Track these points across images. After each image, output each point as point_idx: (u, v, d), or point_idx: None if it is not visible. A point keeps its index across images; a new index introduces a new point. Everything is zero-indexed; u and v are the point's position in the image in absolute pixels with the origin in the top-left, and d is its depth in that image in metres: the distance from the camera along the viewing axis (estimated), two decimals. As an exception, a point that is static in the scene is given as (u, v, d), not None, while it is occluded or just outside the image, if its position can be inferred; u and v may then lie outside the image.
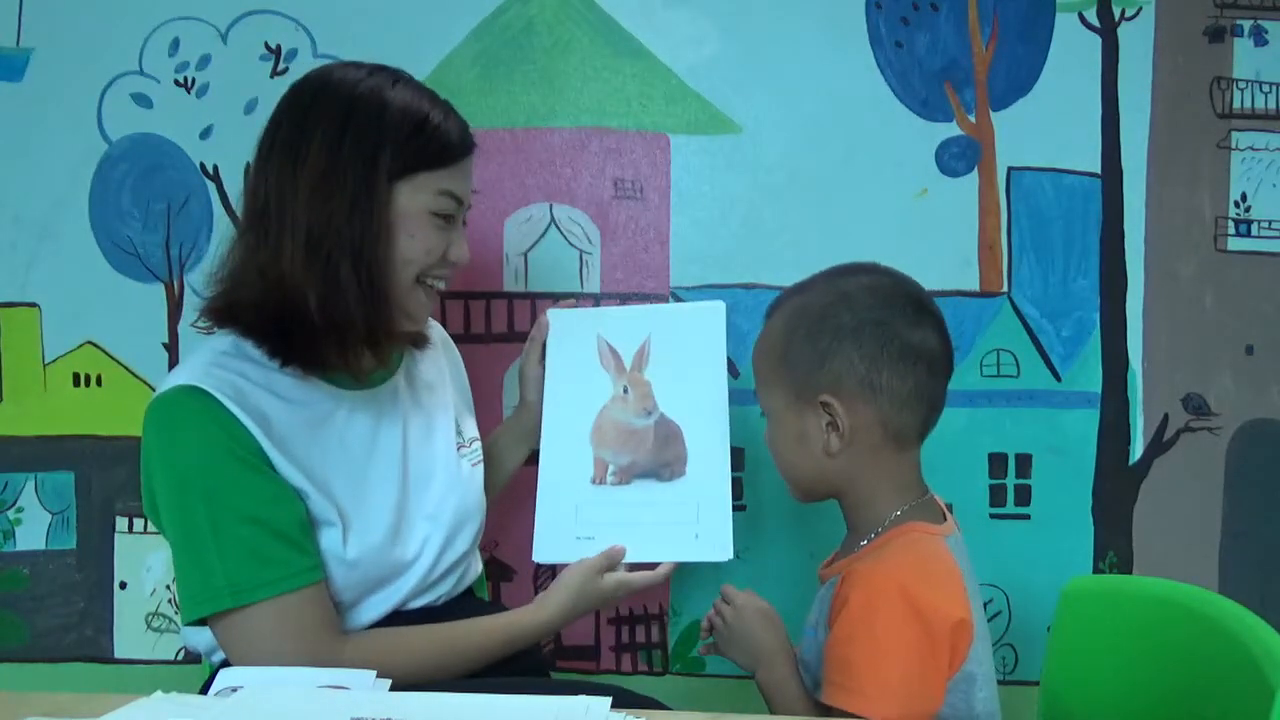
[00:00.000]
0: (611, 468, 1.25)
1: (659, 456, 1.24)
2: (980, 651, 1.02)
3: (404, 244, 1.10)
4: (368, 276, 1.08)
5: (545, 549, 1.23)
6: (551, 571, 1.50)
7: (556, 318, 1.33)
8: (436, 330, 1.33)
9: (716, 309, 1.28)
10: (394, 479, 1.14)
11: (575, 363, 1.29)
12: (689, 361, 1.26)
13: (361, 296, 1.08)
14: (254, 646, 1.01)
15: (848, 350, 1.05)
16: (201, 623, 1.04)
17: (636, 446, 1.25)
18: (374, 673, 0.92)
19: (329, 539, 1.07)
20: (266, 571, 1.01)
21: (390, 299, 1.11)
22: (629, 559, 1.20)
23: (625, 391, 1.26)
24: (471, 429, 1.29)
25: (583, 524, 1.22)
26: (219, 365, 1.07)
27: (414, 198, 1.10)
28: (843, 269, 1.13)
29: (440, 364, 1.29)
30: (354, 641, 1.06)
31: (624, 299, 1.49)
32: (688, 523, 1.21)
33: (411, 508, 1.14)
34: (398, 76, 1.13)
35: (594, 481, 1.25)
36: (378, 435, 1.15)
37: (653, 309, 1.34)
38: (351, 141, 1.07)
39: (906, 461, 1.10)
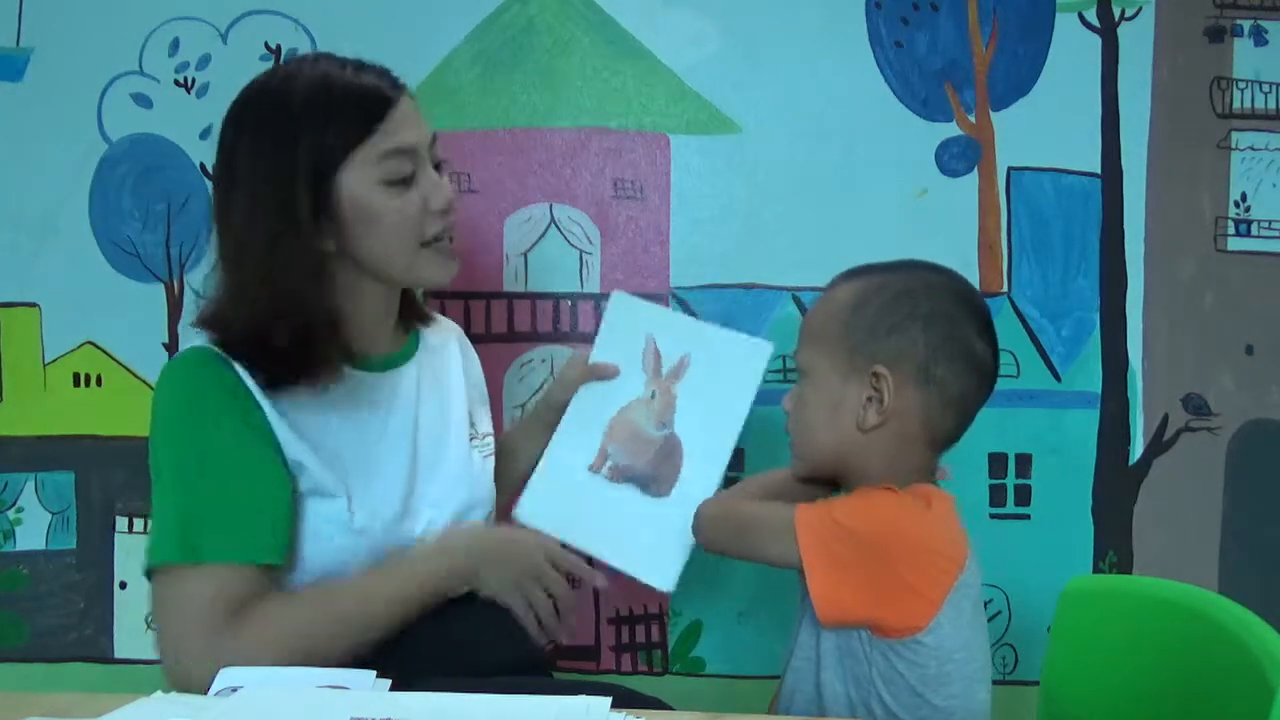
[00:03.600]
0: (610, 462, 1.26)
1: (654, 470, 1.25)
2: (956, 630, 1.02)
3: (371, 234, 1.07)
4: (334, 287, 1.08)
5: (525, 509, 1.26)
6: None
7: (619, 302, 1.33)
8: (454, 330, 1.33)
9: (762, 348, 1.25)
10: (403, 460, 1.14)
11: (620, 352, 1.30)
12: (719, 391, 1.25)
13: (326, 314, 1.06)
14: (173, 608, 0.99)
15: (915, 332, 1.05)
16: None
17: (639, 453, 1.26)
18: (374, 673, 0.92)
19: (334, 508, 1.06)
20: (225, 537, 1.00)
21: (388, 283, 1.12)
22: (583, 549, 1.22)
23: (652, 396, 1.27)
24: (485, 424, 1.30)
25: (566, 501, 1.26)
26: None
27: (360, 178, 1.05)
28: (922, 263, 1.12)
29: (455, 359, 1.29)
30: (250, 624, 1.00)
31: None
32: (649, 542, 1.21)
33: (419, 491, 1.14)
34: (313, 57, 1.10)
35: (591, 469, 1.27)
36: (390, 416, 1.15)
37: (705, 327, 1.31)
38: (270, 150, 1.03)
39: (929, 463, 1.09)
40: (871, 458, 1.07)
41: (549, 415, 1.33)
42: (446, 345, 1.28)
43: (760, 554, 1.06)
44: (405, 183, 1.07)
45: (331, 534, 1.07)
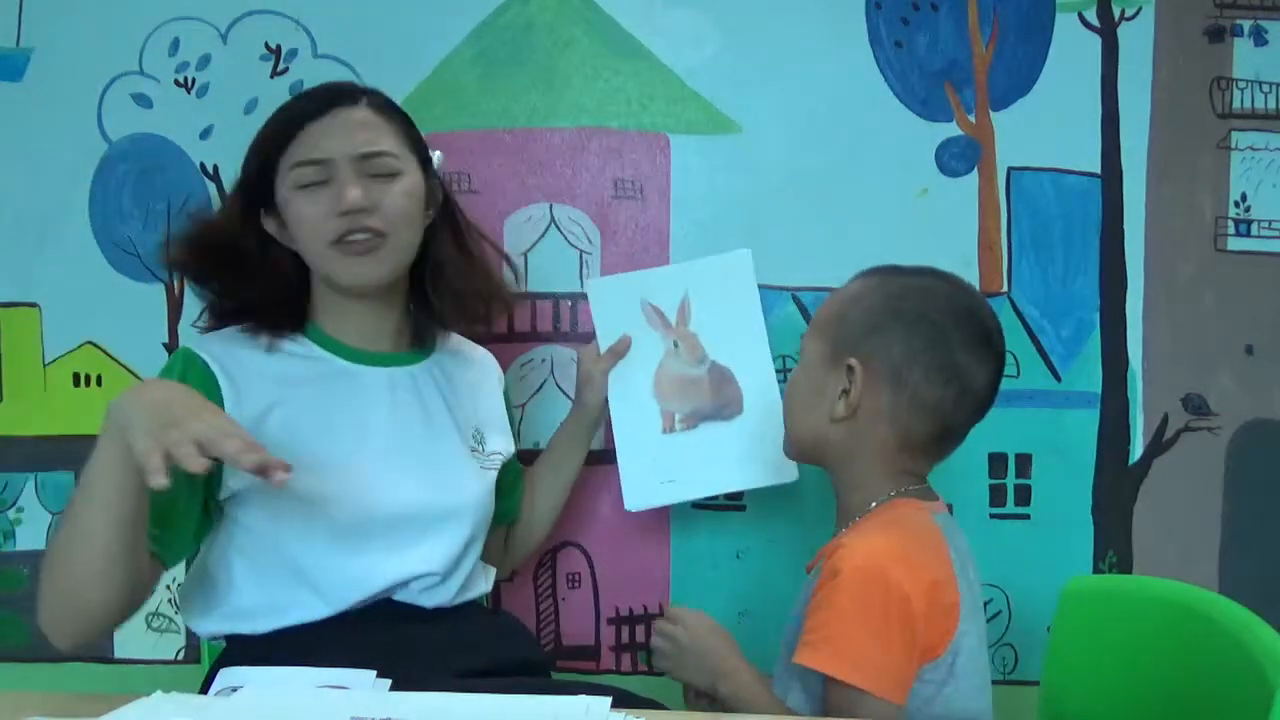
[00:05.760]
0: (678, 416, 1.37)
1: (717, 399, 1.36)
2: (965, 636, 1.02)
3: (295, 230, 1.17)
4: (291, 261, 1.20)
5: (634, 498, 1.36)
6: (551, 579, 1.51)
7: (597, 288, 1.39)
8: (491, 361, 1.37)
9: (743, 257, 1.36)
10: (386, 453, 1.16)
11: (624, 327, 1.37)
12: (727, 309, 1.36)
13: (274, 282, 1.19)
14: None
15: (895, 334, 1.06)
16: None
17: (696, 394, 1.36)
18: (374, 673, 0.92)
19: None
20: None
21: (325, 281, 1.19)
22: (709, 493, 1.39)
23: (676, 346, 1.37)
24: (496, 444, 1.29)
25: (662, 470, 1.35)
26: (225, 335, 1.18)
27: (284, 181, 1.16)
28: (943, 274, 1.12)
29: (474, 379, 1.31)
30: None
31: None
32: (754, 454, 1.33)
33: (378, 479, 1.15)
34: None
35: (664, 431, 1.36)
36: (376, 407, 1.18)
37: (685, 266, 1.40)
38: (252, 150, 1.18)
39: (910, 464, 1.10)
40: (847, 451, 1.09)
41: (585, 419, 1.39)
42: (467, 367, 1.31)
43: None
44: (319, 186, 1.14)
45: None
